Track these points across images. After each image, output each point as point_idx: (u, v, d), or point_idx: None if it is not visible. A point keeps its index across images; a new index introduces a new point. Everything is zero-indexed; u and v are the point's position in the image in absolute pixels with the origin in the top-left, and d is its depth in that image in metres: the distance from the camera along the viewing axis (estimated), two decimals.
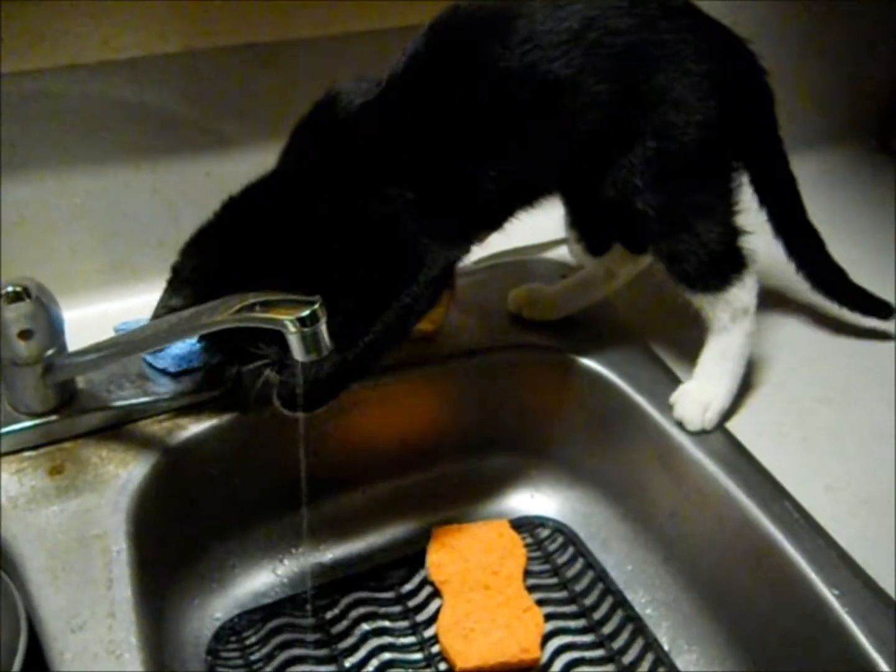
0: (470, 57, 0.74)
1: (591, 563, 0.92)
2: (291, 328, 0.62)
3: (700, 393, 0.85)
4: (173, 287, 0.76)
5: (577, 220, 0.91)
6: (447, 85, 0.74)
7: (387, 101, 0.74)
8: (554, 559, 0.93)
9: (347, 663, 0.83)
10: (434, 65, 0.75)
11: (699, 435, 0.84)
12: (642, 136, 0.77)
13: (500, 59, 0.73)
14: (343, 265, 0.74)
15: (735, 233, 0.83)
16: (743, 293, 0.83)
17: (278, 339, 0.70)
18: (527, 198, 0.81)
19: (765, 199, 0.89)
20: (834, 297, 0.95)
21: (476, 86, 0.74)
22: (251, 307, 0.65)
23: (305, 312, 0.62)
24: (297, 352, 0.63)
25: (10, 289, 0.73)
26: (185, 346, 0.83)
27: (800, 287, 0.98)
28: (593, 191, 0.80)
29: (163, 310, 0.75)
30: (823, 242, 0.93)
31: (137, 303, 0.95)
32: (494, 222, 0.80)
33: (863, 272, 0.96)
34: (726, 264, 0.82)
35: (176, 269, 0.77)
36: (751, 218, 0.86)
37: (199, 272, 0.74)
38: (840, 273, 0.93)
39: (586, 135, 0.76)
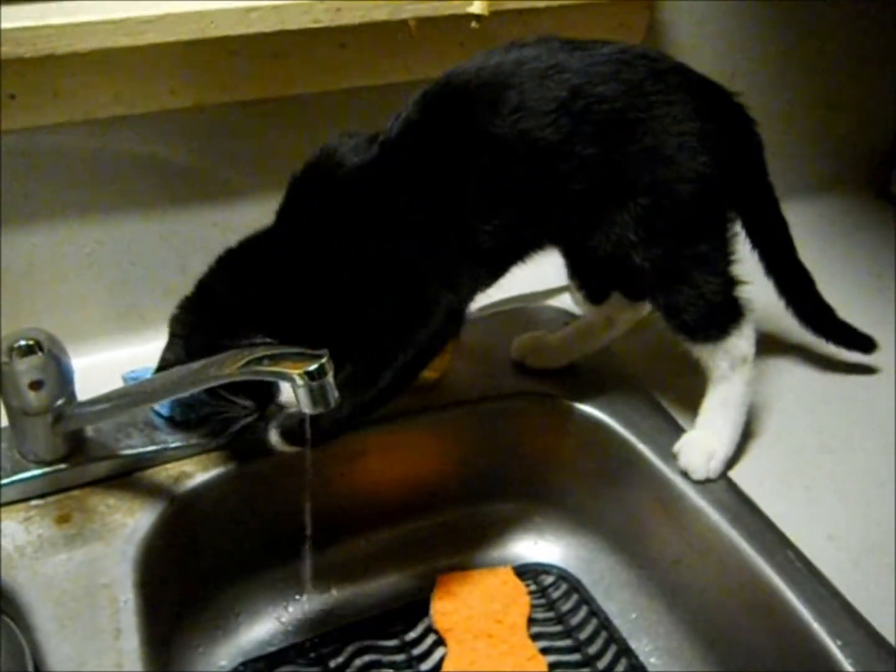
0: (465, 125, 0.76)
1: (595, 611, 0.92)
2: (299, 381, 0.63)
3: (704, 442, 0.85)
4: (169, 340, 0.79)
5: (576, 271, 0.92)
6: (443, 150, 0.76)
7: (383, 162, 0.76)
8: (558, 606, 0.93)
9: None
10: (430, 132, 0.77)
11: (703, 484, 0.85)
12: (635, 194, 0.79)
13: (494, 127, 0.75)
14: (351, 316, 0.76)
15: (732, 283, 0.84)
16: (741, 342, 0.84)
17: (256, 391, 0.75)
18: (524, 251, 0.82)
19: (757, 242, 0.90)
20: (821, 332, 0.97)
21: (471, 152, 0.76)
22: (259, 360, 0.66)
23: (313, 366, 0.63)
24: (305, 404, 0.64)
25: (22, 342, 0.74)
26: (192, 395, 0.84)
27: (799, 335, 0.99)
28: (589, 246, 0.82)
29: (161, 362, 0.79)
30: (813, 281, 0.95)
31: (146, 350, 0.95)
32: (493, 276, 0.82)
33: (862, 315, 0.98)
34: (724, 314, 0.84)
35: (171, 323, 0.80)
36: (746, 267, 0.87)
37: (192, 327, 0.77)
38: (827, 310, 0.96)
39: (579, 195, 0.78)
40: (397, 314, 0.76)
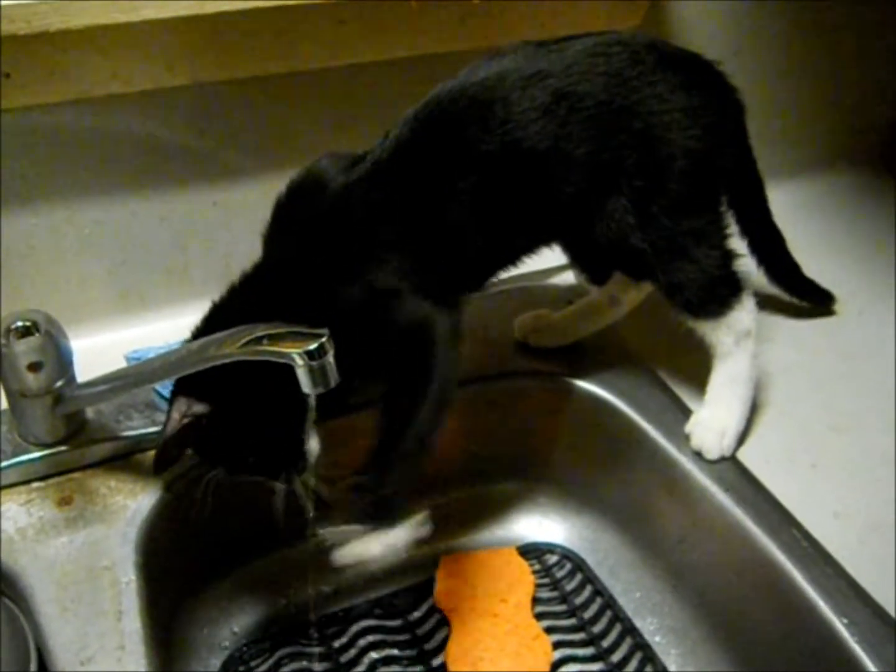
0: (455, 145, 0.76)
1: (600, 591, 0.91)
2: (299, 361, 0.62)
3: (714, 420, 0.85)
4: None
5: (577, 258, 0.93)
6: (435, 170, 0.76)
7: (374, 182, 0.76)
8: (562, 586, 0.92)
9: None
10: (420, 152, 0.76)
11: (714, 462, 0.84)
12: (630, 178, 0.79)
13: (484, 144, 0.75)
14: (350, 349, 0.68)
15: (730, 256, 0.84)
16: (743, 315, 0.84)
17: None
18: (522, 255, 0.83)
19: (734, 201, 0.90)
20: (787, 287, 1.01)
21: (463, 171, 0.76)
22: (259, 340, 0.65)
23: (313, 346, 0.62)
24: (306, 385, 0.63)
25: (19, 324, 0.74)
26: None
27: (805, 314, 0.99)
28: (588, 235, 0.82)
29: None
30: (784, 241, 0.97)
31: (147, 331, 0.96)
32: (482, 282, 0.82)
33: (869, 290, 0.97)
34: (725, 288, 0.84)
35: None
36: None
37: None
38: (795, 267, 0.99)
39: (575, 193, 0.79)
40: (397, 341, 0.74)
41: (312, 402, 0.71)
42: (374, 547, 0.72)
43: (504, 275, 0.84)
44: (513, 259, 0.83)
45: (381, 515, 0.72)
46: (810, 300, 1.02)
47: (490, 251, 0.80)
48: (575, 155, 0.77)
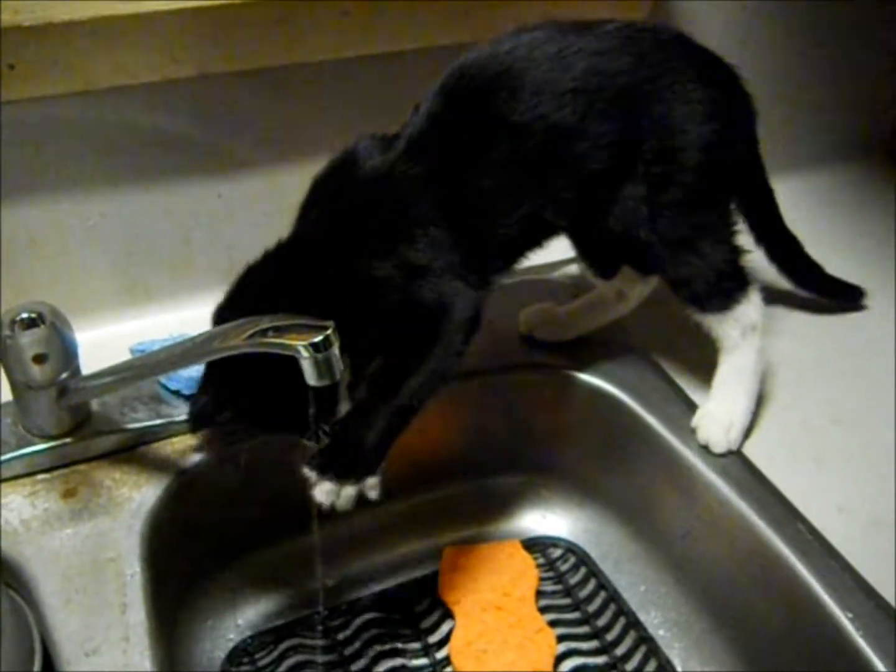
0: (485, 115, 0.76)
1: (604, 584, 0.92)
2: (304, 353, 0.62)
3: (721, 414, 0.85)
4: None
5: (585, 250, 0.92)
6: (467, 142, 0.76)
7: (409, 157, 0.76)
8: (566, 579, 0.93)
9: None
10: (452, 124, 0.77)
11: (721, 456, 0.84)
12: (646, 164, 0.79)
13: (515, 115, 0.75)
14: (377, 320, 0.74)
15: (737, 251, 0.85)
16: (750, 309, 0.84)
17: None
18: (539, 238, 0.83)
19: (747, 211, 0.90)
20: (815, 290, 1.01)
21: (493, 141, 0.76)
22: (264, 332, 0.65)
23: (318, 338, 0.62)
24: (310, 377, 0.63)
25: (24, 315, 0.74)
26: (199, 368, 0.83)
27: (808, 308, 0.99)
28: (599, 225, 0.82)
29: None
30: (801, 244, 0.97)
31: (151, 323, 0.96)
32: (510, 263, 0.82)
33: (879, 283, 0.97)
34: (732, 283, 0.84)
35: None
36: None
37: None
38: (817, 267, 0.99)
39: (595, 174, 0.79)
40: (421, 314, 0.75)
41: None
42: (319, 492, 0.72)
43: (525, 262, 0.83)
44: (537, 240, 0.82)
45: (340, 468, 0.72)
46: (840, 298, 1.02)
47: (517, 228, 0.79)
48: (599, 132, 0.77)
